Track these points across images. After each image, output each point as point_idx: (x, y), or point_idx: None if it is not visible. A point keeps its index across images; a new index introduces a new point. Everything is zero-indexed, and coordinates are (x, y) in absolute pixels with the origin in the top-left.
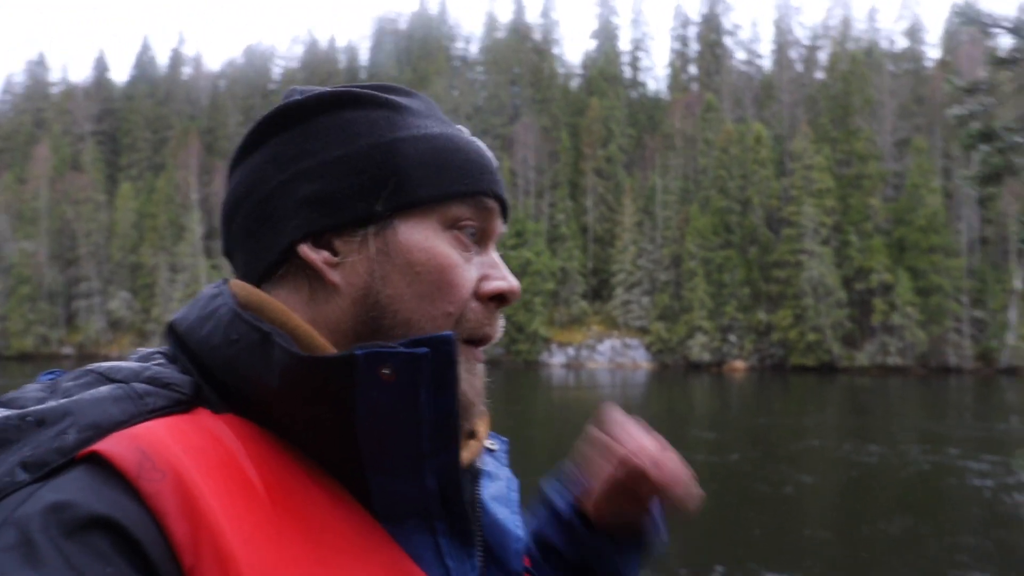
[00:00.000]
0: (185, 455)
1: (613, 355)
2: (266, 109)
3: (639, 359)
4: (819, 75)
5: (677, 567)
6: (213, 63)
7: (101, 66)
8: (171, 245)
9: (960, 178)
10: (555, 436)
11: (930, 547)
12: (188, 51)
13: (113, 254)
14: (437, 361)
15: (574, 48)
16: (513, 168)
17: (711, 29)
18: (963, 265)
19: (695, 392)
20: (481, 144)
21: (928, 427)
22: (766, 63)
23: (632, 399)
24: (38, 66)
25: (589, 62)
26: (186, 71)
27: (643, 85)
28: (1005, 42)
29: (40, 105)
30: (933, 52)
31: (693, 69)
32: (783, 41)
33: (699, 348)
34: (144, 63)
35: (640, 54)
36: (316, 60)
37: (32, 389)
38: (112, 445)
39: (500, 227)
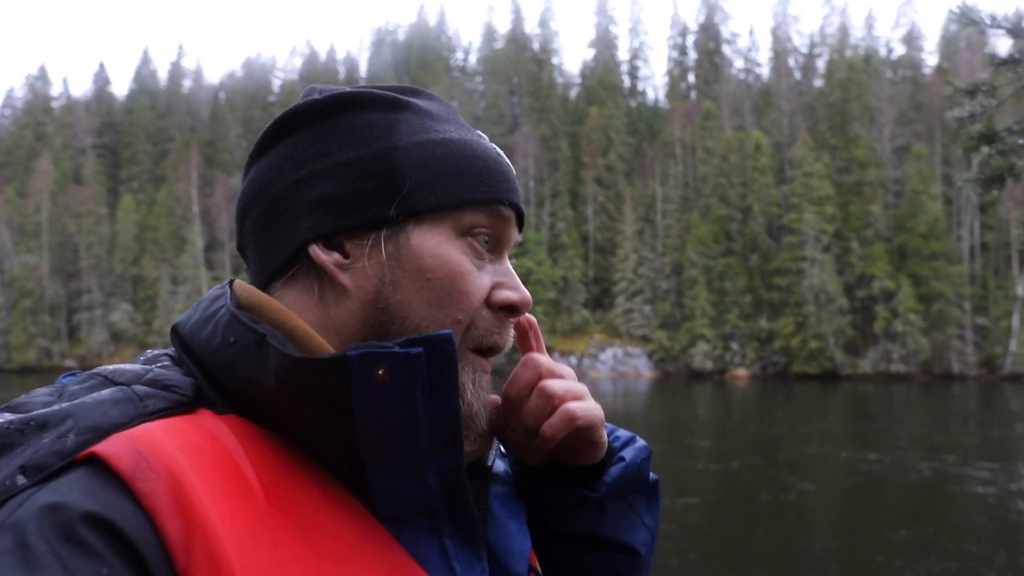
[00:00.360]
0: (181, 455)
1: (615, 364)
2: (266, 122)
3: (641, 368)
4: (817, 83)
5: None
6: (213, 76)
7: (101, 79)
8: (172, 257)
9: (961, 181)
10: None
11: (934, 555)
12: (188, 64)
13: (115, 267)
14: (434, 360)
15: (573, 57)
16: None
17: (709, 38)
18: (965, 271)
19: (698, 400)
20: (499, 151)
21: (932, 434)
22: (764, 71)
23: (635, 408)
24: (39, 80)
25: (588, 71)
26: (186, 84)
27: (642, 94)
28: (1004, 44)
29: (41, 119)
30: (931, 59)
31: (692, 78)
32: (781, 49)
33: (701, 356)
34: (144, 76)
35: (639, 63)
36: (315, 72)
37: (41, 393)
38: (109, 446)
39: (515, 236)
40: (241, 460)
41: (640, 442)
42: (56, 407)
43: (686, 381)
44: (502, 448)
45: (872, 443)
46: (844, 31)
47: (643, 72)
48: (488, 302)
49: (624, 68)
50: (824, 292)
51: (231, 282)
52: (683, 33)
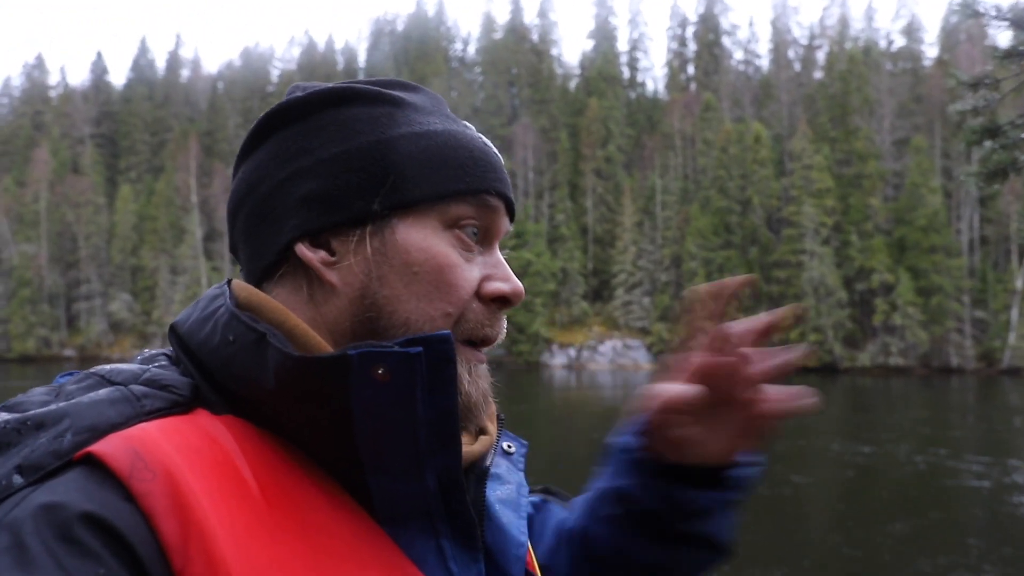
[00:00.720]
0: (178, 455)
1: (614, 356)
2: (265, 111)
3: (640, 360)
4: (817, 74)
5: None
6: (211, 65)
7: (99, 68)
8: (171, 247)
9: (963, 175)
10: (559, 437)
11: (931, 548)
12: (186, 53)
13: (113, 256)
14: (433, 360)
15: (572, 49)
16: (512, 169)
17: (709, 29)
18: (964, 265)
19: None
20: (486, 141)
21: (929, 428)
22: (764, 63)
23: (634, 400)
24: (36, 69)
25: (587, 62)
26: (184, 74)
27: (641, 85)
28: (1005, 37)
29: (39, 108)
30: (931, 51)
31: (691, 69)
32: (781, 41)
33: None
34: (142, 66)
35: (638, 54)
36: (314, 62)
37: (38, 393)
38: (106, 446)
39: (505, 226)
40: (238, 460)
41: None
42: (53, 407)
43: None
44: (505, 447)
45: (869, 436)
46: (844, 23)
47: (643, 63)
48: (479, 294)
49: (623, 59)
50: (823, 285)
51: (229, 281)
52: (683, 24)
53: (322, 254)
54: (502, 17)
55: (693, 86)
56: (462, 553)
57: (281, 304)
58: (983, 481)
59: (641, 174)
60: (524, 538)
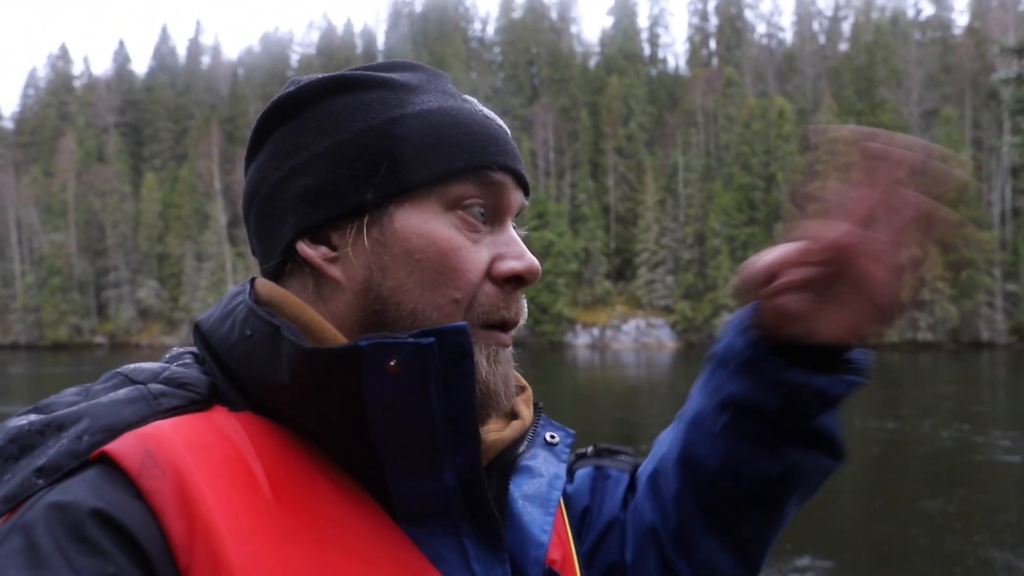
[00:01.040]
0: (188, 453)
1: (638, 335)
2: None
3: (664, 339)
4: (843, 46)
5: None
6: (231, 52)
7: (121, 57)
8: (196, 234)
9: (1008, 146)
10: (583, 417)
11: (963, 525)
12: (206, 40)
13: (140, 244)
14: (448, 353)
15: (591, 26)
16: (533, 149)
17: (731, 3)
18: (995, 238)
19: None
20: (487, 114)
21: (959, 403)
22: (787, 36)
23: (658, 379)
24: (60, 59)
25: (607, 40)
26: (205, 60)
27: (662, 62)
28: None
29: (64, 98)
30: (961, 18)
31: (713, 44)
32: (804, 13)
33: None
34: (163, 54)
35: (659, 30)
36: (333, 46)
37: (68, 393)
38: (119, 445)
39: (517, 201)
40: (250, 457)
41: None
42: (75, 408)
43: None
44: (548, 438)
45: (897, 412)
46: None
47: (663, 39)
48: (490, 276)
49: (644, 35)
50: None
51: (252, 280)
52: None
53: (323, 250)
54: None
55: (715, 61)
56: (486, 553)
57: (299, 299)
58: (1013, 456)
59: (663, 152)
60: (545, 537)
